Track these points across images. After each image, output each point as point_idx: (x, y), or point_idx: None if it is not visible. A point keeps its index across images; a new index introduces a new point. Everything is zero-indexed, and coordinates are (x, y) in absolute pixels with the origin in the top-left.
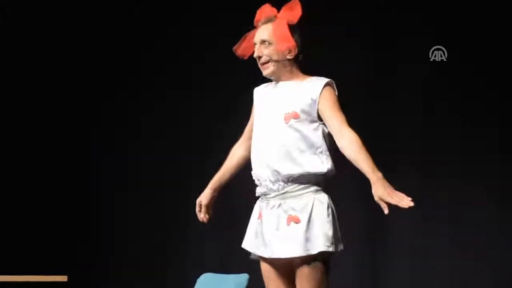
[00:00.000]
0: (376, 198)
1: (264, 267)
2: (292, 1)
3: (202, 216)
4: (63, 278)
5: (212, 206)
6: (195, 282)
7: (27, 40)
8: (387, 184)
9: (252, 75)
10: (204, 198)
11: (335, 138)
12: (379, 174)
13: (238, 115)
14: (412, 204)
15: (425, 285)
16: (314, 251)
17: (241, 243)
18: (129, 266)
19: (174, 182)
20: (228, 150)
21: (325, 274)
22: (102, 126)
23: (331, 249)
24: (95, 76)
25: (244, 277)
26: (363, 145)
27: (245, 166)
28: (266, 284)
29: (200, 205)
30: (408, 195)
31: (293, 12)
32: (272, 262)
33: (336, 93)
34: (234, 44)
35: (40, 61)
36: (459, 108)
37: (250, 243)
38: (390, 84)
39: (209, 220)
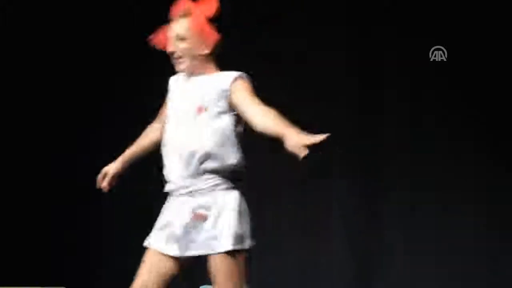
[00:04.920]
0: (290, 148)
1: (153, 258)
2: None
3: (104, 184)
4: None
5: (117, 178)
6: None
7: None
8: (300, 132)
9: None
10: (112, 168)
11: (251, 121)
12: (293, 128)
13: None
14: (325, 136)
15: None
16: (221, 249)
17: None
18: (127, 279)
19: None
20: None
21: (238, 271)
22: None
23: (238, 247)
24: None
25: None
26: (277, 113)
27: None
28: (139, 271)
29: (105, 174)
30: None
31: (209, 6)
32: (166, 258)
33: (251, 84)
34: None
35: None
36: (459, 108)
37: (154, 239)
38: (390, 84)
39: (109, 189)
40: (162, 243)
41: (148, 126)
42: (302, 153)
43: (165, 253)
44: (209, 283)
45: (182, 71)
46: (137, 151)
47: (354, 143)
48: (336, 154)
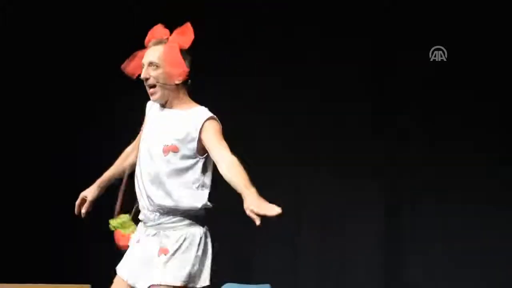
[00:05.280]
0: (247, 212)
1: (119, 284)
2: (184, 26)
3: (83, 211)
4: (86, 287)
5: (94, 202)
6: None
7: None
8: (258, 197)
9: None
10: (90, 194)
11: (217, 165)
12: (252, 190)
13: None
14: (279, 211)
15: None
16: (168, 281)
17: (261, 252)
18: None
19: None
20: None
21: None
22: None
23: (191, 284)
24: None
25: None
26: (240, 166)
27: None
28: None
29: (84, 199)
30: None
31: (185, 37)
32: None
33: (220, 126)
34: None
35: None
36: (459, 108)
37: (122, 265)
38: (390, 84)
39: (87, 215)
40: (125, 271)
41: (127, 147)
42: (257, 221)
43: (123, 278)
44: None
45: (157, 101)
46: (114, 175)
47: (361, 144)
48: (348, 158)
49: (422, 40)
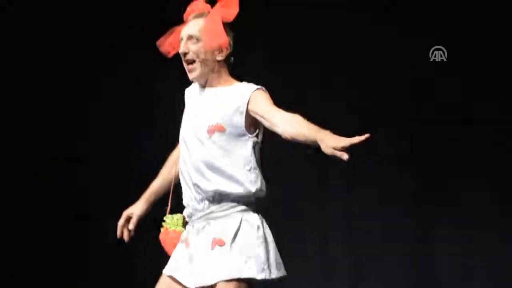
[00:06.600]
0: (329, 151)
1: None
2: None
3: (131, 227)
4: None
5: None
6: None
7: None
8: (335, 135)
9: None
10: (137, 209)
11: (275, 127)
12: (327, 131)
13: None
14: (367, 136)
15: None
16: (239, 275)
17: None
18: None
19: None
20: None
21: None
22: None
23: (261, 276)
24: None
25: None
26: (304, 119)
27: None
28: None
29: (129, 217)
30: None
31: (230, 10)
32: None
33: (268, 94)
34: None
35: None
36: (459, 108)
37: (174, 268)
38: (390, 84)
39: (130, 238)
40: (178, 271)
41: (173, 152)
42: (344, 156)
43: (181, 282)
44: None
45: (195, 79)
46: (163, 186)
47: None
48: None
49: (422, 40)
